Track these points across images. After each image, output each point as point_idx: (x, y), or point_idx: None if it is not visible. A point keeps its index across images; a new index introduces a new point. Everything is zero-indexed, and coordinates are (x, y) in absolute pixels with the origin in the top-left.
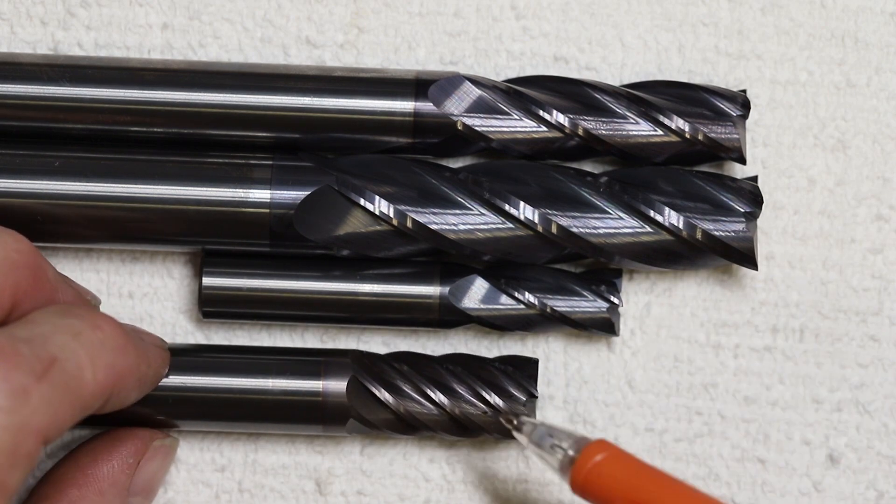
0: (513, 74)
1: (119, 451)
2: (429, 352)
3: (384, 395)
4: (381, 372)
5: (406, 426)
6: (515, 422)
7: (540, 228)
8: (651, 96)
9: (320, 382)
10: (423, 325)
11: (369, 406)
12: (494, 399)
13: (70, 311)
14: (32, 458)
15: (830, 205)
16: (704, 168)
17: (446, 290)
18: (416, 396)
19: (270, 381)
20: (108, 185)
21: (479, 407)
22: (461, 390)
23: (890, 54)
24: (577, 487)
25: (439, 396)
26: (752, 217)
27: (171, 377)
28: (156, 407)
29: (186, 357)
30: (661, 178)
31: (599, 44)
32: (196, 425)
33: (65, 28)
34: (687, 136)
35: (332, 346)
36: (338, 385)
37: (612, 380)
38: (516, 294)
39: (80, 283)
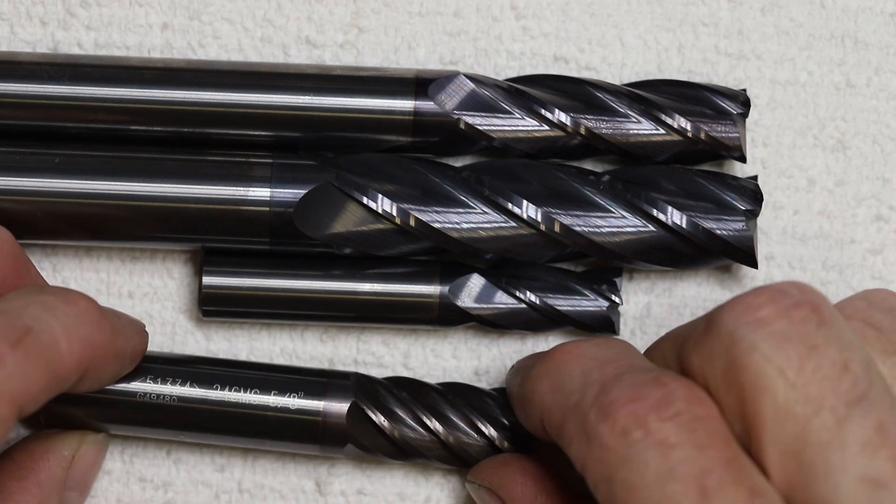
0: (513, 74)
1: (55, 447)
2: (429, 351)
3: (380, 420)
4: (380, 397)
5: (401, 452)
6: None
7: (542, 227)
8: (652, 95)
9: (321, 403)
10: (423, 323)
11: (367, 431)
12: (490, 430)
13: (44, 289)
14: (6, 425)
15: (830, 205)
16: (705, 167)
17: (446, 288)
18: (413, 423)
19: (271, 398)
20: (109, 183)
21: (473, 437)
22: (456, 419)
23: (890, 54)
24: None
25: (435, 424)
26: (752, 215)
27: (169, 386)
28: (154, 415)
29: (188, 367)
30: (663, 176)
31: (599, 44)
32: (193, 437)
33: (65, 28)
34: (689, 134)
35: (332, 345)
36: (339, 407)
37: None
38: (516, 293)
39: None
